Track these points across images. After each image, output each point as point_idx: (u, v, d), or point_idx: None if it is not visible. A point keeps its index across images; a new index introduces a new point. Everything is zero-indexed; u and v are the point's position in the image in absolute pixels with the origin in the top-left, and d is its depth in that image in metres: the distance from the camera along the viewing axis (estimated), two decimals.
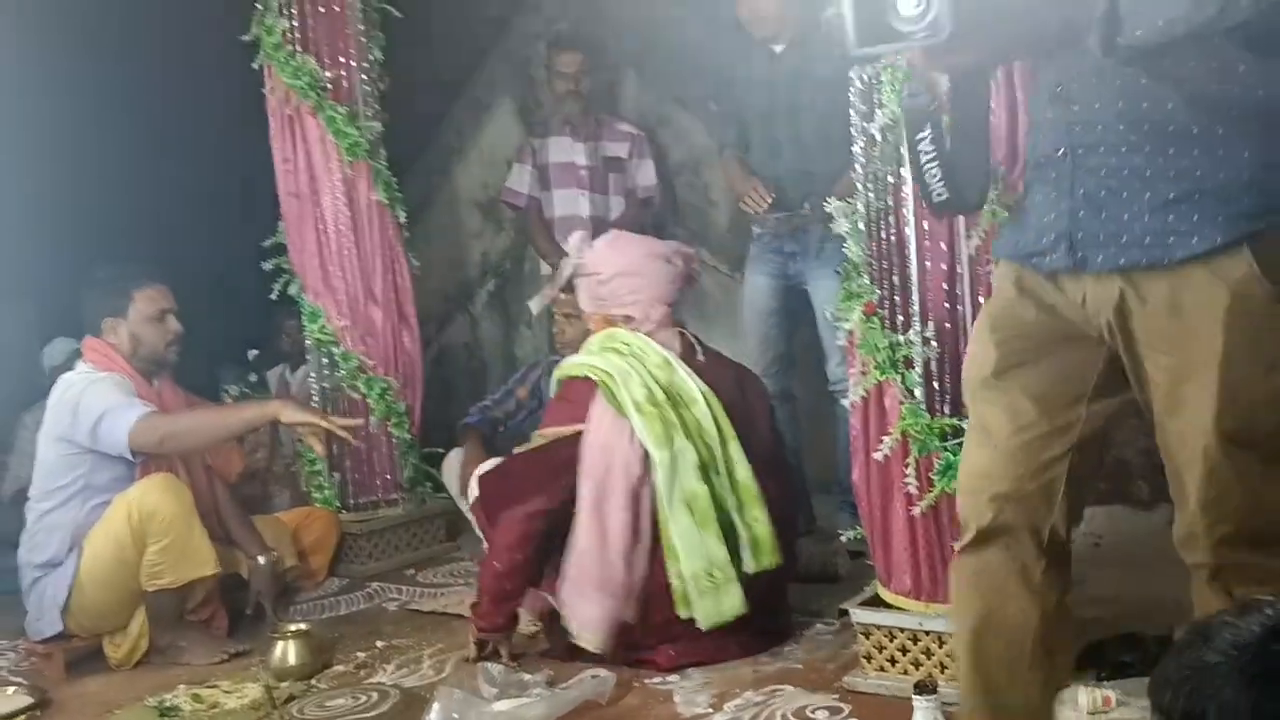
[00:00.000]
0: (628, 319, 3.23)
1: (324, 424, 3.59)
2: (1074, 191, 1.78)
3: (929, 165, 1.87)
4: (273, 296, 4.41)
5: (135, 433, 3.37)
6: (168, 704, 3.09)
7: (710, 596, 2.99)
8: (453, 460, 4.18)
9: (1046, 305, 1.86)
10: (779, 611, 3.24)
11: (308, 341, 4.44)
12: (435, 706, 2.73)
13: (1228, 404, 1.71)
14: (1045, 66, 1.83)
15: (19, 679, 3.41)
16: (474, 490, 3.51)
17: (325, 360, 4.38)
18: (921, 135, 1.86)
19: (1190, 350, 1.72)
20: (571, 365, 3.23)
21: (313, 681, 3.22)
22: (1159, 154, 1.70)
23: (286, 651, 3.26)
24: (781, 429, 3.58)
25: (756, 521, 3.07)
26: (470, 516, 3.80)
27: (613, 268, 3.25)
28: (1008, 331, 1.91)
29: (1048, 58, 1.81)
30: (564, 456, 3.08)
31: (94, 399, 3.42)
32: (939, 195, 1.89)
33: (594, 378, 3.11)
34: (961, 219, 2.59)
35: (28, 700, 3.17)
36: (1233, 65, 1.66)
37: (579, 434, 3.09)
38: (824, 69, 3.58)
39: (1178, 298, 1.72)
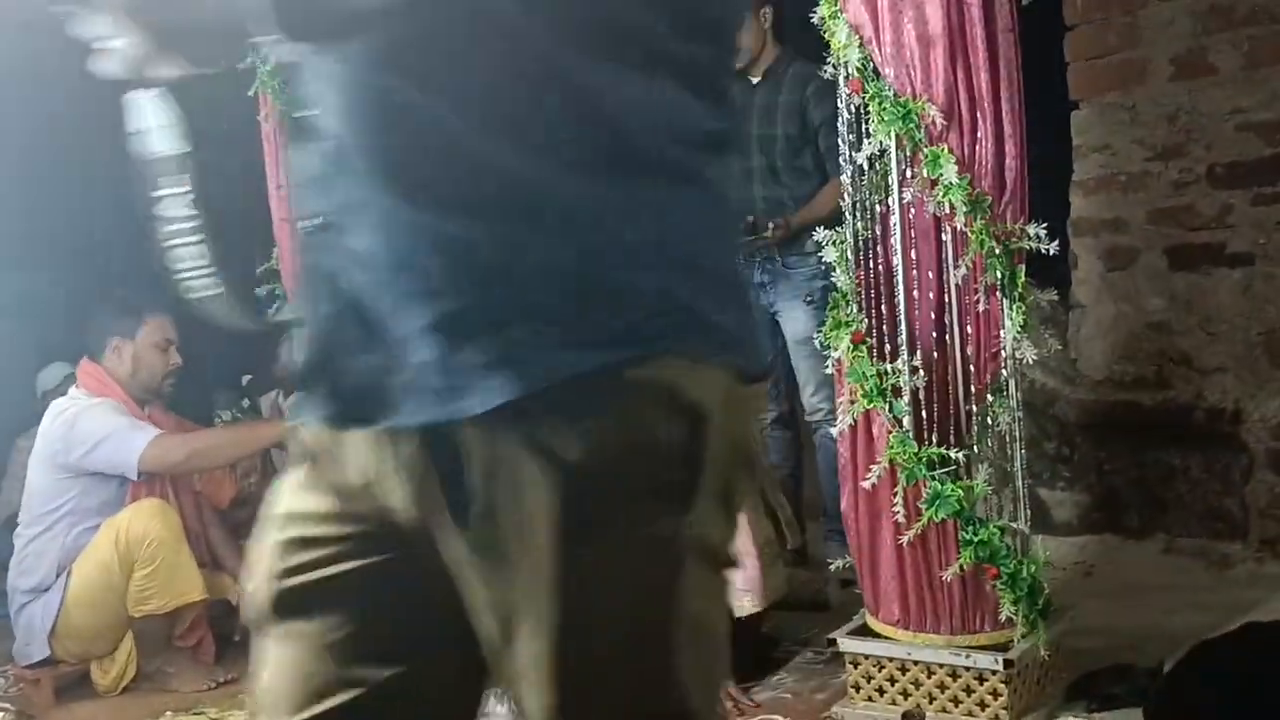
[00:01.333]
0: None
1: None
2: (335, 290, 1.03)
3: (184, 243, 1.18)
4: None
5: (152, 454, 3.37)
6: None
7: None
8: None
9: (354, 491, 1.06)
10: (766, 641, 3.23)
11: None
12: None
13: (559, 672, 0.99)
14: (300, 69, 1.06)
15: (6, 705, 3.39)
16: None
17: None
18: (167, 192, 1.17)
19: (515, 571, 0.98)
20: None
21: None
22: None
23: None
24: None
25: None
26: None
27: None
28: (303, 552, 1.09)
29: (305, 53, 1.05)
30: None
31: (93, 423, 3.42)
32: (204, 290, 1.19)
33: None
34: (949, 242, 2.59)
35: None
36: (572, 78, 0.94)
37: None
38: (791, 97, 3.75)
39: (486, 481, 0.97)
